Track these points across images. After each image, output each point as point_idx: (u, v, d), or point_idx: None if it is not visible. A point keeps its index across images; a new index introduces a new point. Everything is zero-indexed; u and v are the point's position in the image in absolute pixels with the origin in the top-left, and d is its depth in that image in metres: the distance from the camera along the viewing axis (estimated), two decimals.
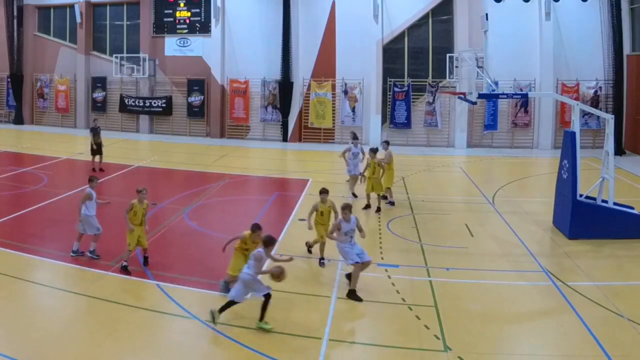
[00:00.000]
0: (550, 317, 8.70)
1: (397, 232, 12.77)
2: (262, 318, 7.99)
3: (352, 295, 9.11)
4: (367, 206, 14.66)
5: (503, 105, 25.86)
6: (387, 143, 15.92)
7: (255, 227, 8.69)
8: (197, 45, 29.16)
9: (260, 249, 8.08)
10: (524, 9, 25.50)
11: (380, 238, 12.34)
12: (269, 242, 8.17)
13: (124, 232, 10.11)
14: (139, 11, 29.78)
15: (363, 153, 15.87)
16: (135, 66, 29.04)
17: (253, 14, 28.19)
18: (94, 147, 18.96)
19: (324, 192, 10.75)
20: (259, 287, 8.03)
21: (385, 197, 15.06)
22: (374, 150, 14.84)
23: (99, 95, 30.74)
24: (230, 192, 16.91)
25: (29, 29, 31.84)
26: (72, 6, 30.82)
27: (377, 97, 26.58)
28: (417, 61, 27.06)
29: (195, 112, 29.18)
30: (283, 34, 27.00)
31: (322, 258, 10.67)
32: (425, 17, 26.61)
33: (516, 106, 25.82)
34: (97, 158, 19.10)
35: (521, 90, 24.50)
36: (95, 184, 11.13)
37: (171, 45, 29.57)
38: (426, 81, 26.45)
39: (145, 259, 10.40)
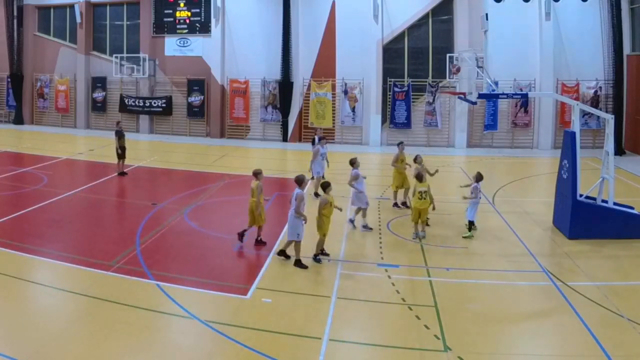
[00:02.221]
0: (550, 317, 8.70)
1: (397, 232, 12.77)
2: None
3: (299, 263, 10.41)
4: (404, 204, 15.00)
5: (503, 105, 25.86)
6: (401, 144, 15.82)
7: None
8: (197, 45, 29.17)
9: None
10: (524, 9, 25.51)
11: (380, 238, 12.34)
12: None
13: (122, 232, 10.10)
14: (139, 11, 29.80)
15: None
16: (135, 66, 29.06)
17: (253, 14, 28.21)
18: (119, 150, 18.58)
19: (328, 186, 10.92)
20: None
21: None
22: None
23: (99, 95, 30.75)
24: (230, 192, 16.92)
25: (29, 29, 31.86)
26: (72, 6, 30.86)
27: (377, 97, 26.59)
28: (417, 61, 27.06)
29: (195, 112, 29.18)
30: (283, 34, 27.02)
31: (324, 253, 11.00)
32: (425, 17, 26.61)
33: (516, 106, 25.82)
34: (120, 161, 18.73)
35: (521, 90, 24.50)
36: (358, 164, 13.28)
37: (171, 45, 29.58)
38: (426, 81, 26.45)
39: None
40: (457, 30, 26.04)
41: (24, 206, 14.28)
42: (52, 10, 32.10)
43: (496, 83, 18.62)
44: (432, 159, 23.23)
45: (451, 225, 13.47)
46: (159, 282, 9.51)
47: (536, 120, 25.86)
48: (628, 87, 24.69)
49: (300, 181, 10.75)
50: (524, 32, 25.53)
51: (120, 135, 18.75)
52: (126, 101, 29.88)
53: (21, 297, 8.96)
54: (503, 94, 15.90)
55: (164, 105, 29.41)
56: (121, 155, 18.67)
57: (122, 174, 18.60)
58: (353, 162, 13.42)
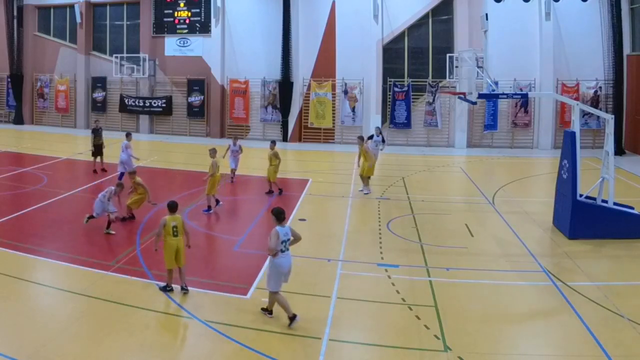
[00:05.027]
0: (550, 317, 8.70)
1: (397, 232, 12.77)
2: None
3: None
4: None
5: (503, 105, 25.86)
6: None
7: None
8: (197, 45, 29.16)
9: None
10: (524, 9, 25.49)
11: (380, 238, 12.34)
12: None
13: (122, 232, 10.06)
14: (139, 11, 29.78)
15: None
16: (135, 66, 29.04)
17: (253, 14, 28.21)
18: (93, 148, 19.26)
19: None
20: None
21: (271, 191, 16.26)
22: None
23: (99, 95, 30.75)
24: (230, 192, 16.91)
25: (29, 29, 31.84)
26: (72, 6, 30.83)
27: (377, 97, 26.57)
28: (417, 61, 27.04)
29: (195, 112, 29.18)
30: (283, 34, 27.01)
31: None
32: (425, 17, 26.60)
33: (516, 106, 25.82)
34: (97, 159, 19.30)
35: (521, 90, 24.49)
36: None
37: (171, 45, 29.57)
38: (426, 81, 26.44)
39: None
40: (457, 30, 26.02)
41: (24, 206, 14.28)
42: (52, 10, 32.07)
43: (496, 83, 18.64)
44: (432, 159, 23.28)
45: (450, 225, 13.47)
46: (159, 282, 9.50)
47: (536, 120, 25.85)
48: (628, 87, 24.67)
49: (281, 215, 8.15)
50: (524, 32, 25.51)
51: (96, 134, 19.36)
52: (126, 101, 29.87)
53: (21, 297, 8.96)
54: (503, 94, 15.90)
55: (164, 105, 29.40)
56: (96, 152, 19.28)
57: (99, 170, 19.13)
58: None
